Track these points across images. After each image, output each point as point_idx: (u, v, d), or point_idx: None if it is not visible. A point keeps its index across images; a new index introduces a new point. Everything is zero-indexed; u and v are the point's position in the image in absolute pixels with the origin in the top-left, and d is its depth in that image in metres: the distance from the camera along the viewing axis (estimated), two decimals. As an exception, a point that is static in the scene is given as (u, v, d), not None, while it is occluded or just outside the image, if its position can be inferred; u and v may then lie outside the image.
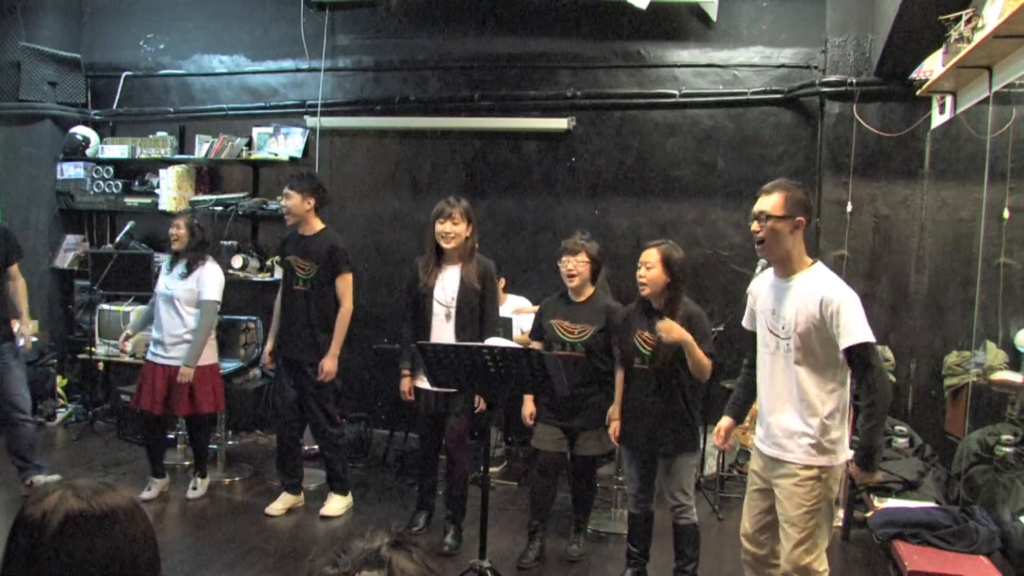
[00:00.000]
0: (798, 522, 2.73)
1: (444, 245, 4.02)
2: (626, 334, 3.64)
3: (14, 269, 4.57)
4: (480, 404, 4.07)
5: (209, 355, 4.59)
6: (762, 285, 2.96)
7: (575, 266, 3.87)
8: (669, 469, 3.56)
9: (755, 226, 2.76)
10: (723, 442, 3.19)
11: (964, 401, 4.70)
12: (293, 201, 4.40)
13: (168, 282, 4.54)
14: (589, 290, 3.97)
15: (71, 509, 1.26)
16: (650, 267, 3.50)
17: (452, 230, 3.99)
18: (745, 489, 5.12)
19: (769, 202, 2.74)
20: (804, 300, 2.71)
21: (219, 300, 4.56)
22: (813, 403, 2.73)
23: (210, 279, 4.53)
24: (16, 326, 4.53)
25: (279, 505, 4.52)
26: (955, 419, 4.82)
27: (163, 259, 4.74)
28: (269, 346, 4.62)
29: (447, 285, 4.06)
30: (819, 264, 2.81)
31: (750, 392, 3.08)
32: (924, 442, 4.67)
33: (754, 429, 3.12)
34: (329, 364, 4.39)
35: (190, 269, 4.51)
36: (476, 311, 4.06)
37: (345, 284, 4.44)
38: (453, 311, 4.03)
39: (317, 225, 4.48)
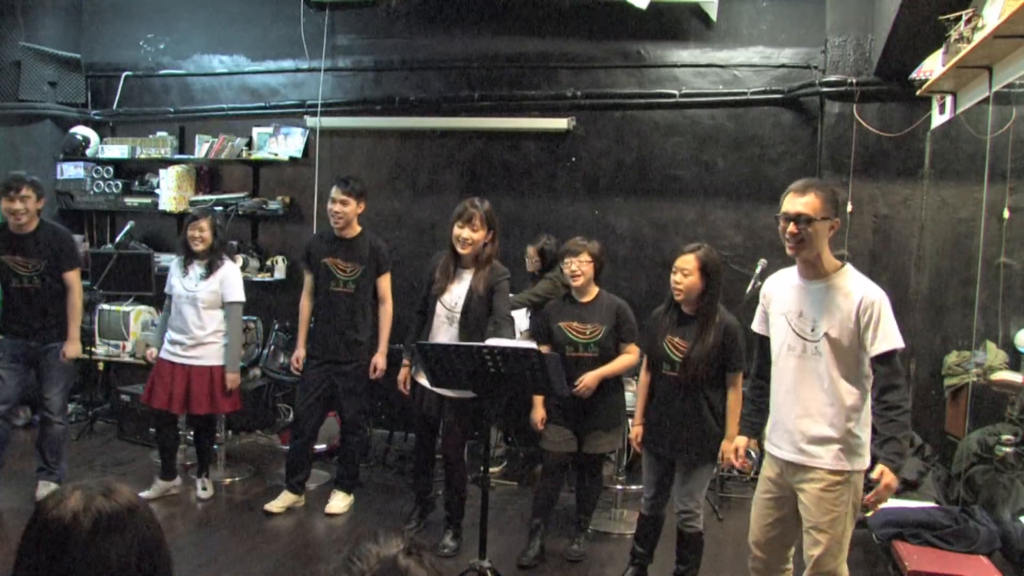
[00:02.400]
0: (827, 528, 2.67)
1: (460, 250, 3.93)
2: (655, 336, 3.58)
3: (70, 277, 4.45)
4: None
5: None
6: (779, 286, 2.86)
7: (578, 266, 3.87)
8: (685, 477, 3.53)
9: (791, 228, 2.64)
10: (741, 461, 3.08)
11: (964, 401, 4.70)
12: (350, 207, 4.38)
13: (187, 284, 4.53)
14: (594, 290, 3.97)
15: (101, 508, 1.28)
16: (687, 274, 3.41)
17: (470, 236, 3.87)
18: (745, 490, 5.13)
19: (806, 203, 2.63)
20: (839, 302, 2.65)
21: (244, 300, 4.64)
22: (843, 407, 2.68)
23: (234, 280, 4.58)
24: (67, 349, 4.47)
25: (279, 503, 4.52)
26: (955, 419, 4.82)
27: (170, 259, 4.67)
28: (301, 352, 4.57)
29: (456, 290, 3.99)
30: (849, 265, 2.75)
31: (764, 406, 2.97)
32: (924, 442, 4.67)
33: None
34: (381, 362, 4.48)
35: (211, 270, 4.52)
36: (482, 319, 3.96)
37: (387, 284, 4.53)
38: (457, 317, 3.98)
39: (357, 228, 4.51)
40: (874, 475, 2.59)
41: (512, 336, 3.99)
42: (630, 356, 3.91)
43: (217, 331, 4.56)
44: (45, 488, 4.40)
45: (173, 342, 4.56)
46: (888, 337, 2.62)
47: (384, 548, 1.17)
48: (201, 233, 4.50)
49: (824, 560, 2.69)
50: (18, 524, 1.33)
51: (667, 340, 3.50)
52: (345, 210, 4.38)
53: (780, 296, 2.85)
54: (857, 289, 2.66)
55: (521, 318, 5.20)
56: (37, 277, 4.37)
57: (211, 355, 4.56)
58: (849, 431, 2.67)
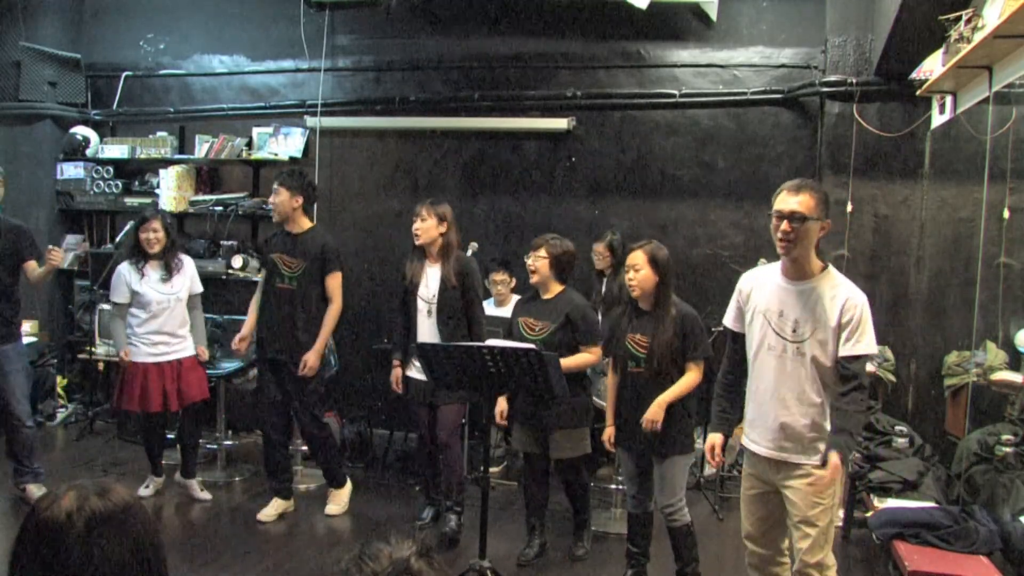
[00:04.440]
0: (816, 521, 2.73)
1: (416, 242, 4.18)
2: (617, 338, 3.61)
3: (29, 266, 4.46)
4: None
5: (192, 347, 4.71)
6: (758, 284, 2.89)
7: (532, 262, 3.92)
8: (661, 471, 3.55)
9: (785, 225, 2.67)
10: (717, 460, 3.03)
11: (964, 401, 4.70)
12: (281, 198, 4.34)
13: (160, 287, 4.51)
14: (557, 287, 3.95)
15: (95, 507, 1.28)
16: (638, 269, 3.48)
17: (419, 227, 4.14)
18: (745, 489, 5.11)
19: (801, 202, 2.67)
20: (824, 304, 2.69)
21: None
22: (824, 405, 2.74)
23: (194, 272, 4.71)
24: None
25: (271, 511, 4.48)
26: (955, 419, 4.82)
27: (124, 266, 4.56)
28: (243, 331, 4.52)
29: (430, 283, 4.18)
30: (832, 267, 2.80)
31: (738, 404, 3.02)
32: (924, 442, 4.67)
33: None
34: (312, 359, 4.34)
35: (170, 269, 4.53)
36: (457, 307, 4.15)
37: (335, 283, 4.43)
38: (434, 308, 4.15)
39: (305, 223, 4.45)
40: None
41: (484, 335, 4.10)
42: (586, 355, 3.85)
43: (193, 324, 4.70)
44: (38, 490, 4.40)
45: (155, 344, 4.53)
46: (864, 341, 2.68)
47: (396, 549, 1.17)
48: (156, 234, 4.49)
49: (813, 551, 2.75)
50: (6, 526, 1.32)
51: (628, 339, 3.54)
52: (276, 200, 4.37)
53: (759, 294, 2.87)
54: (842, 291, 2.71)
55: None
56: None
57: (190, 345, 4.67)
58: (829, 425, 2.74)
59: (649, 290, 3.50)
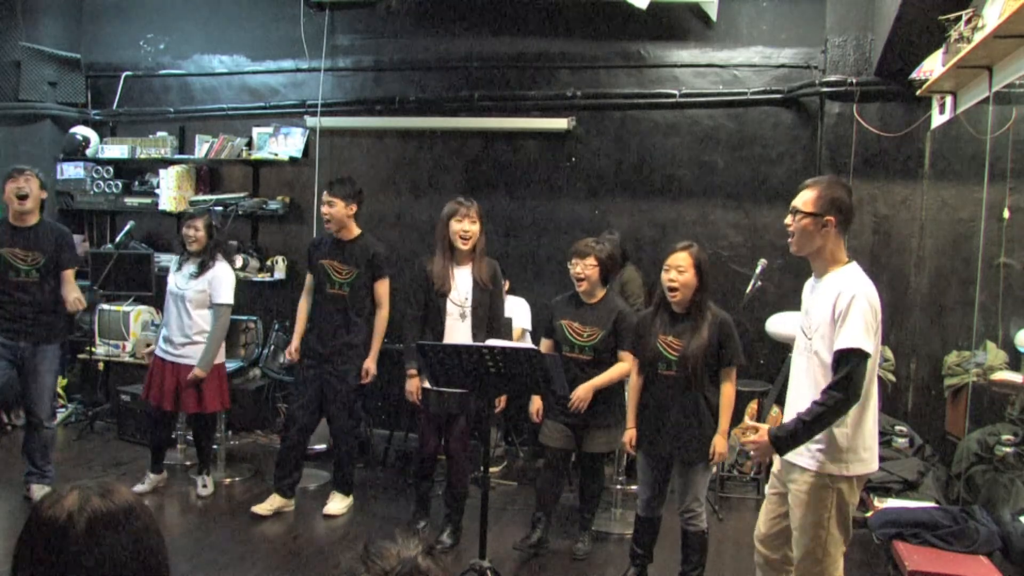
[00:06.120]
0: (807, 530, 2.67)
1: (461, 246, 4.02)
2: (646, 338, 3.55)
3: (68, 275, 4.45)
4: (500, 404, 4.09)
5: (219, 355, 4.66)
6: (807, 288, 2.91)
7: (583, 269, 3.88)
8: (686, 476, 3.52)
9: (787, 219, 2.74)
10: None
11: (964, 401, 4.70)
12: (337, 208, 4.36)
13: (179, 281, 4.59)
14: (601, 292, 3.97)
15: (97, 508, 1.28)
16: (682, 271, 3.40)
17: (470, 229, 4.01)
18: (746, 490, 5.14)
19: (803, 198, 2.71)
20: (824, 300, 2.65)
21: (232, 303, 4.61)
22: None
23: (222, 281, 4.57)
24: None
25: (267, 505, 4.48)
26: (955, 419, 4.82)
27: (170, 259, 4.83)
28: (296, 343, 4.56)
29: (460, 285, 4.07)
30: (853, 264, 2.70)
31: None
32: (924, 442, 4.67)
33: (753, 429, 3.09)
34: (372, 366, 4.46)
35: (201, 269, 4.55)
36: (486, 308, 4.09)
37: (384, 289, 4.49)
38: (468, 311, 4.05)
39: (355, 230, 4.48)
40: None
41: (509, 337, 4.03)
42: (624, 365, 3.88)
43: (205, 331, 4.59)
44: (40, 491, 4.39)
45: (165, 339, 4.62)
46: (848, 334, 2.52)
47: (403, 548, 1.17)
48: (196, 232, 4.55)
49: (805, 564, 2.69)
50: (12, 525, 1.33)
51: (661, 340, 3.48)
52: (332, 211, 4.37)
53: (804, 297, 2.90)
54: (840, 284, 2.62)
55: (524, 316, 5.20)
56: (36, 271, 4.35)
57: (196, 356, 4.57)
58: (833, 433, 2.60)
59: (690, 293, 3.43)
